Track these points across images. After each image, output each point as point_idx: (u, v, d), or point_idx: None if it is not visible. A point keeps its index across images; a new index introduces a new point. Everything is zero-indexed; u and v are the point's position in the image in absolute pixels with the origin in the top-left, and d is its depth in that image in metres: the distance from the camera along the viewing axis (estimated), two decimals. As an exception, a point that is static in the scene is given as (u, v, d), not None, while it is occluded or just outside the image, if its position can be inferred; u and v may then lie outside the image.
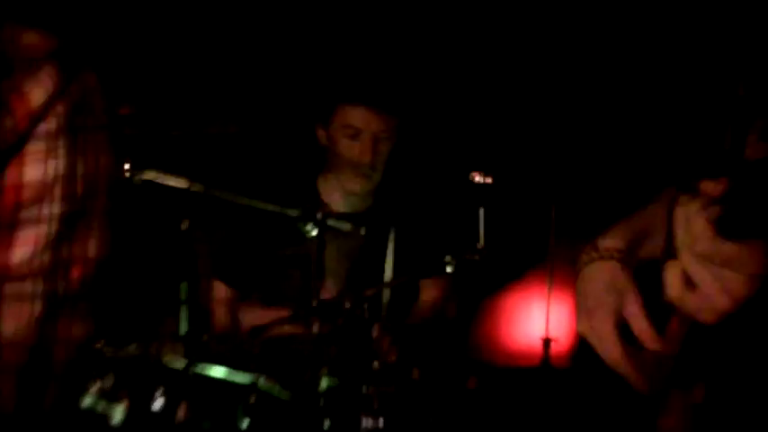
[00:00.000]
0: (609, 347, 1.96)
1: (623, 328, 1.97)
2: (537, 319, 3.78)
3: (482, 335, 3.92)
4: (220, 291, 3.78)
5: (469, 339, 3.88)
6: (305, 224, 3.24)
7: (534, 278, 3.88)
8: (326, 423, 3.21)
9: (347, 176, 3.68)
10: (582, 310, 2.15)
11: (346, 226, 3.30)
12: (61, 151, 2.98)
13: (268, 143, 3.99)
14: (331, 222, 3.28)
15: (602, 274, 2.14)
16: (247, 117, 3.93)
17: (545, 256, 3.75)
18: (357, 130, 3.63)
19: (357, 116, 3.63)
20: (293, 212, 3.25)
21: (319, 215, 3.25)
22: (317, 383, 3.24)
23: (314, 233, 3.25)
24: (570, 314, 3.84)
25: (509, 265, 3.82)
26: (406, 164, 3.82)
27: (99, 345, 3.17)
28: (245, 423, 3.22)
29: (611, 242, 2.08)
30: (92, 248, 3.20)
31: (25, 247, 3.04)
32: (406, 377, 3.37)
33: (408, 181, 3.86)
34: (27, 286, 3.07)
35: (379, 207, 3.80)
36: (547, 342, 3.64)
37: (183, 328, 3.24)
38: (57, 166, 3.01)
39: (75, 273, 3.16)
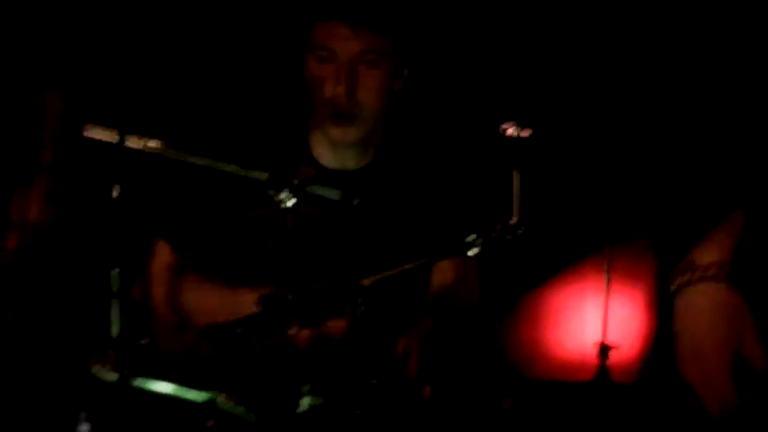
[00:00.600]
0: (722, 391, 1.72)
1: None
2: (591, 321, 3.03)
3: (519, 340, 3.20)
4: (163, 255, 3.02)
5: (502, 346, 3.13)
6: (277, 191, 2.49)
7: (589, 266, 3.13)
8: (306, 455, 2.50)
9: (325, 119, 2.92)
10: (686, 349, 1.87)
11: (333, 193, 2.55)
12: None
13: (242, 85, 3.24)
14: (312, 189, 2.52)
15: (708, 300, 2.02)
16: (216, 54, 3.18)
17: (603, 237, 2.97)
18: (330, 51, 2.88)
19: (328, 33, 2.89)
20: (260, 175, 2.50)
21: (295, 180, 2.49)
22: (296, 403, 2.54)
23: (289, 203, 2.50)
24: (637, 313, 3.08)
25: (554, 248, 3.05)
26: (415, 110, 3.04)
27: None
28: (198, 456, 2.53)
29: (710, 256, 1.86)
30: (32, 212, 2.63)
31: None
32: (416, 396, 2.61)
33: (419, 132, 3.08)
34: None
35: (379, 166, 3.02)
36: (604, 349, 2.88)
37: (116, 328, 2.51)
38: None
39: (10, 242, 2.71)
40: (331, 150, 3.13)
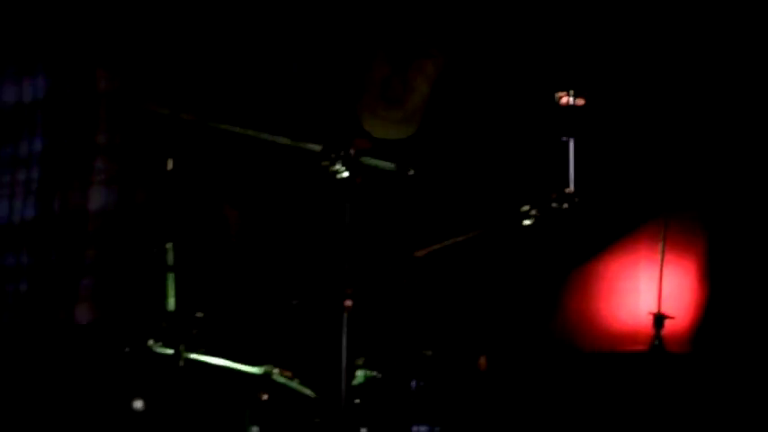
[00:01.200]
0: None
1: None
2: (646, 291, 3.01)
3: (573, 312, 3.17)
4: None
5: (556, 317, 3.11)
6: (332, 163, 2.48)
7: (642, 237, 3.11)
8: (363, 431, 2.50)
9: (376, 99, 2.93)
10: None
11: (388, 165, 2.54)
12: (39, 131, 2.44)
13: (292, 58, 3.22)
14: (367, 161, 2.51)
15: None
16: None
17: (656, 208, 2.94)
18: None
19: None
20: (314, 147, 2.49)
21: (352, 151, 2.48)
22: (351, 377, 2.53)
23: (344, 174, 2.49)
24: (690, 283, 3.05)
25: (609, 218, 3.02)
26: (466, 77, 3.00)
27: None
28: (254, 430, 2.53)
29: None
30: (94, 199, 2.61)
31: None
32: (471, 367, 2.61)
33: (469, 100, 3.05)
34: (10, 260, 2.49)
35: (425, 135, 3.00)
36: (659, 319, 2.87)
37: (172, 302, 2.51)
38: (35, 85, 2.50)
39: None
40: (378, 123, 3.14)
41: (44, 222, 2.69)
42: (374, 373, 2.70)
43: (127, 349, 2.60)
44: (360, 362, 2.71)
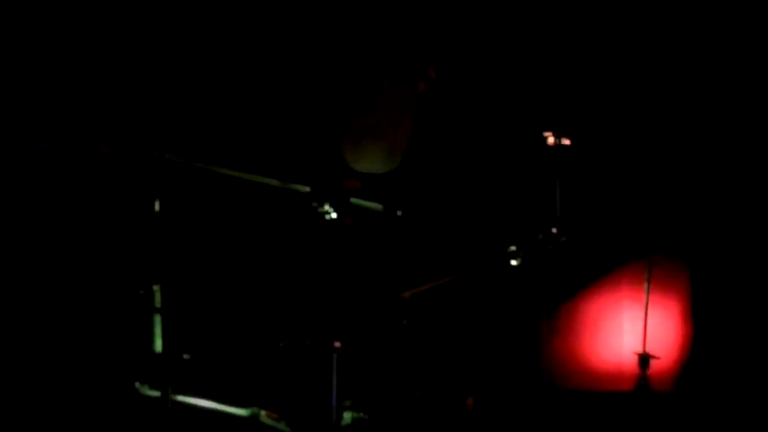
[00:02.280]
0: None
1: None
2: (629, 330, 3.04)
3: (557, 350, 3.19)
4: None
5: (541, 356, 3.13)
6: (320, 203, 2.51)
7: (626, 276, 3.14)
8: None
9: None
10: None
11: (376, 205, 2.57)
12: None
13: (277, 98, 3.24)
14: (356, 201, 2.54)
15: None
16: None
17: (641, 248, 2.98)
18: None
19: None
20: (302, 188, 2.51)
21: (340, 192, 2.51)
22: (339, 418, 2.54)
23: (333, 215, 2.51)
24: (674, 323, 3.09)
25: (593, 258, 3.06)
26: (452, 116, 3.04)
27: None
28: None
29: None
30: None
31: None
32: (459, 408, 2.63)
33: (454, 138, 3.08)
34: None
35: (415, 174, 3.03)
36: (644, 359, 2.90)
37: (158, 344, 2.51)
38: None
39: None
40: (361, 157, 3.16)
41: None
42: (361, 415, 2.73)
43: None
44: (347, 403, 2.73)
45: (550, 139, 2.77)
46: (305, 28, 3.28)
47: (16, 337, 2.83)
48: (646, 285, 3.05)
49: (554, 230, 2.74)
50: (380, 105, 3.11)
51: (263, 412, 2.67)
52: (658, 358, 3.02)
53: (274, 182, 2.77)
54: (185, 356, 2.68)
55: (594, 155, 3.10)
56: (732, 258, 3.23)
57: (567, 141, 2.77)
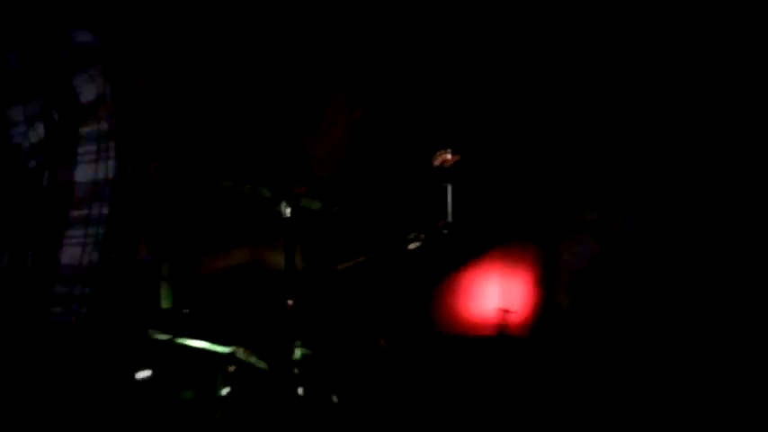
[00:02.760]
0: None
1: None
2: (494, 293, 4.16)
3: (445, 308, 4.30)
4: None
5: (433, 311, 4.24)
6: (278, 204, 3.57)
7: (492, 256, 4.26)
8: (300, 390, 3.57)
9: None
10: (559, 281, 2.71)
11: (317, 204, 3.64)
12: (112, 153, 3.20)
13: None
14: (303, 202, 3.61)
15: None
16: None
17: (503, 236, 4.12)
18: None
19: None
20: (266, 192, 3.58)
21: (290, 196, 3.58)
22: (292, 353, 3.61)
23: (287, 212, 3.58)
24: (526, 288, 4.22)
25: (471, 243, 4.19)
26: (377, 136, 4.16)
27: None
28: (224, 391, 3.58)
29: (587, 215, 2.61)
30: (141, 251, 3.53)
31: (74, 247, 3.24)
32: (375, 347, 3.73)
33: (378, 152, 4.20)
34: (76, 288, 3.28)
35: (346, 180, 4.14)
36: (504, 313, 4.01)
37: (166, 303, 3.56)
38: (107, 168, 3.22)
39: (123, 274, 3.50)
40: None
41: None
42: (308, 351, 3.78)
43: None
44: (298, 343, 3.78)
45: (445, 155, 3.86)
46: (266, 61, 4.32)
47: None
48: (507, 261, 4.18)
49: (445, 222, 3.84)
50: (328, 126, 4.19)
51: (239, 350, 3.73)
52: (514, 312, 4.15)
53: (247, 187, 3.83)
54: (185, 311, 3.72)
55: (476, 168, 4.22)
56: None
57: (456, 157, 3.85)
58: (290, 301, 3.68)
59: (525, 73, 4.42)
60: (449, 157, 3.82)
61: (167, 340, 3.62)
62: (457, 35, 4.49)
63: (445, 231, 3.73)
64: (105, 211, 3.33)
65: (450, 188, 3.79)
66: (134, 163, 3.41)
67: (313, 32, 4.32)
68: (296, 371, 3.64)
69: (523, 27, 4.44)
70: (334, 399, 3.68)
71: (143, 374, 3.70)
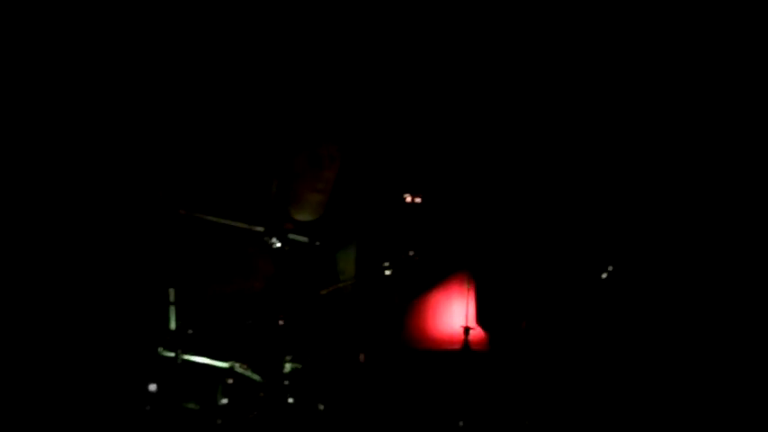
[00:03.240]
0: None
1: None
2: (458, 312, 4.71)
3: (413, 326, 4.84)
4: None
5: (404, 329, 4.79)
6: (269, 238, 4.12)
7: (453, 280, 4.82)
8: (290, 399, 4.11)
9: None
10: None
11: (303, 239, 4.19)
12: None
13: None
14: (292, 236, 4.17)
15: None
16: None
17: (461, 264, 4.71)
18: None
19: None
20: (259, 228, 4.13)
21: (282, 231, 4.13)
22: (282, 367, 4.14)
23: (278, 245, 4.13)
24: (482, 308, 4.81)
25: (434, 269, 4.77)
26: (352, 185, 4.75)
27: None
28: (224, 401, 4.11)
29: None
30: None
31: None
32: (355, 361, 4.28)
33: (353, 198, 4.77)
34: None
35: (326, 217, 4.70)
36: (467, 330, 4.56)
37: (173, 324, 4.09)
38: None
39: None
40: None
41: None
42: (297, 365, 4.30)
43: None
44: (288, 358, 4.24)
45: (408, 198, 4.43)
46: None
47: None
48: (467, 285, 4.74)
49: (411, 253, 4.40)
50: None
51: (237, 364, 4.23)
52: (475, 329, 4.70)
53: (242, 224, 4.37)
54: (189, 331, 4.22)
55: (435, 209, 4.80)
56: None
57: (418, 199, 4.43)
58: (280, 322, 4.22)
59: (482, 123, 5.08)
60: (411, 199, 4.37)
61: (174, 357, 4.16)
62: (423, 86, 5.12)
63: (413, 259, 4.28)
64: None
65: (414, 225, 4.34)
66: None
67: (296, 86, 4.92)
68: (286, 382, 4.16)
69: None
70: (320, 407, 4.22)
71: (152, 387, 4.23)
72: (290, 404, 4.15)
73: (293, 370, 4.19)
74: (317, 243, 4.29)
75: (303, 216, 4.66)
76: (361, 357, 4.33)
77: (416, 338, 4.74)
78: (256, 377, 4.19)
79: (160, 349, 4.13)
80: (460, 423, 4.34)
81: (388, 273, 4.35)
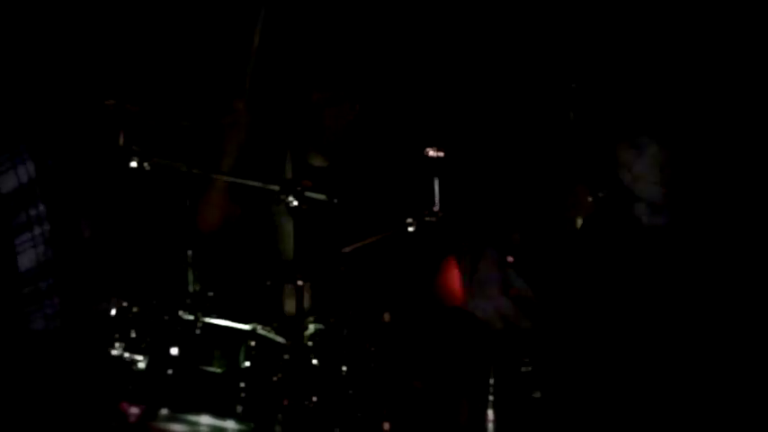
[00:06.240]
0: None
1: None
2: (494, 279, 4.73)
3: (438, 284, 4.81)
4: None
5: (429, 287, 4.77)
6: (286, 196, 4.10)
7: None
8: (314, 361, 4.08)
9: None
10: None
11: (321, 196, 4.16)
12: (26, 156, 3.54)
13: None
14: (309, 194, 4.13)
15: None
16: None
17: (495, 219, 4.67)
18: None
19: None
20: (275, 187, 4.11)
21: (299, 189, 4.10)
22: (306, 329, 4.12)
23: (295, 203, 4.10)
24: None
25: (457, 226, 4.72)
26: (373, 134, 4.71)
27: (124, 303, 4.02)
28: (246, 363, 4.09)
29: None
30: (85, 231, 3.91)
31: (27, 250, 3.59)
32: (379, 320, 4.24)
33: (375, 150, 4.74)
34: (41, 284, 3.64)
35: (346, 173, 4.65)
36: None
37: (192, 286, 4.08)
38: (27, 170, 3.55)
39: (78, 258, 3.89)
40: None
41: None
42: (320, 326, 4.29)
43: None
44: (311, 319, 4.23)
45: (431, 152, 4.37)
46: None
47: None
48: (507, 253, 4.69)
49: (435, 209, 4.34)
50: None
51: (259, 326, 4.20)
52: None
53: (258, 183, 4.35)
54: (210, 294, 4.21)
55: (460, 164, 4.75)
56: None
57: (441, 154, 4.36)
58: (300, 282, 4.19)
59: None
60: (434, 153, 4.32)
61: (194, 320, 4.13)
62: (446, 38, 5.08)
63: (434, 217, 4.22)
64: (42, 209, 3.70)
65: (437, 181, 4.29)
66: (58, 156, 3.66)
67: (311, 36, 4.89)
68: (309, 344, 4.14)
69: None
70: (344, 368, 4.20)
71: (174, 351, 4.22)
72: (313, 366, 4.13)
73: (316, 331, 4.17)
74: (336, 201, 4.26)
75: (318, 160, 4.67)
76: (386, 317, 4.30)
77: (443, 296, 4.73)
78: (279, 338, 4.18)
79: (180, 312, 4.13)
80: (491, 381, 4.31)
81: (411, 229, 4.31)
